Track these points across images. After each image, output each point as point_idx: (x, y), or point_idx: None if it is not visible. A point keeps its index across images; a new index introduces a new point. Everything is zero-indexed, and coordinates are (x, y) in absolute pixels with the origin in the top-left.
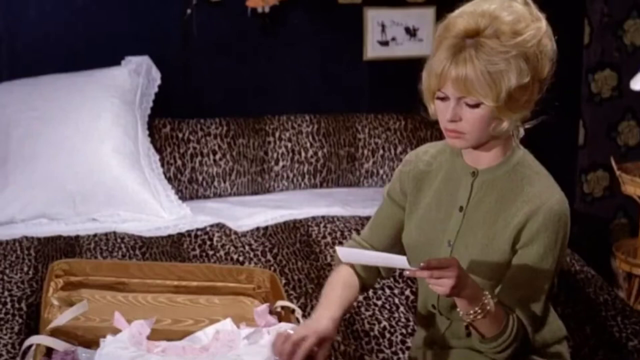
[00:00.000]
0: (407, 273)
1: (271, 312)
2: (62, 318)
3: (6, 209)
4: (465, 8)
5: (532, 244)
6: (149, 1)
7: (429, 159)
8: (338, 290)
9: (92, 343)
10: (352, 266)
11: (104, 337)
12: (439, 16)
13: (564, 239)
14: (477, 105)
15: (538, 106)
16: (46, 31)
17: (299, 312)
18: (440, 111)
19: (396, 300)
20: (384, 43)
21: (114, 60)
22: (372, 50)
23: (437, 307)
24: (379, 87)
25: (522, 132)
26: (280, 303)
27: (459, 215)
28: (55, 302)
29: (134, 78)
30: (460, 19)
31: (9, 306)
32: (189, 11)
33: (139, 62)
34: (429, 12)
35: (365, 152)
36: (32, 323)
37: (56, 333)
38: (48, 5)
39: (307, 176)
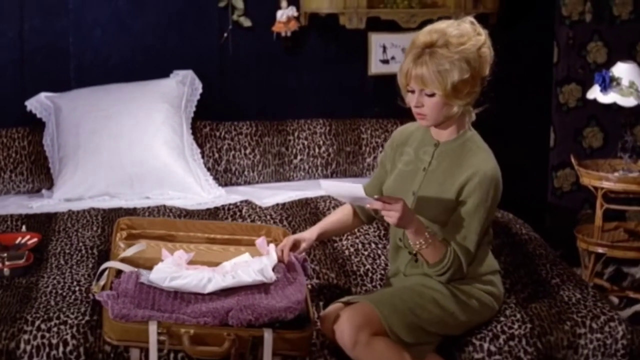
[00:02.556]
0: (367, 205)
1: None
2: (127, 252)
3: (77, 188)
4: (426, 28)
5: (469, 198)
6: (193, 26)
7: (408, 134)
8: (328, 219)
9: (148, 268)
10: (352, 206)
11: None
12: None
13: (495, 197)
14: (432, 95)
15: (482, 97)
16: (108, 50)
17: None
18: (410, 100)
19: (379, 252)
20: (385, 61)
21: (164, 73)
22: (375, 67)
23: (402, 240)
24: (380, 97)
25: (473, 116)
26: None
27: (422, 174)
28: (121, 245)
29: (181, 88)
30: (421, 35)
31: (83, 252)
32: (225, 34)
33: (184, 75)
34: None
35: (368, 149)
36: (103, 261)
37: (123, 262)
38: (110, 29)
39: (319, 168)
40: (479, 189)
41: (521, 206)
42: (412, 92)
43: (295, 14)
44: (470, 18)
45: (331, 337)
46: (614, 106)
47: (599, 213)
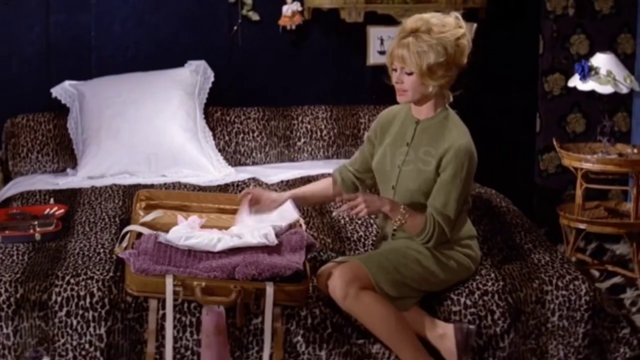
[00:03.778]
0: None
1: None
2: (147, 217)
3: (99, 166)
4: (414, 16)
5: (446, 170)
6: (205, 20)
7: (393, 115)
8: (305, 187)
9: (165, 232)
10: (334, 179)
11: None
12: None
13: (469, 168)
14: (410, 73)
15: (463, 84)
16: (127, 42)
17: (302, 221)
18: (393, 78)
19: (370, 221)
20: (382, 52)
21: (179, 63)
22: (373, 58)
23: None
24: (377, 86)
25: (450, 98)
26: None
27: (406, 149)
28: (141, 214)
29: (194, 76)
30: (409, 21)
31: (106, 220)
32: (235, 28)
33: (197, 65)
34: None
35: (365, 132)
36: (124, 228)
37: (143, 226)
38: (129, 23)
39: (321, 150)
40: (454, 161)
41: (509, 187)
42: (395, 70)
43: (300, 8)
44: (456, 13)
45: (325, 291)
46: (595, 94)
47: (579, 192)
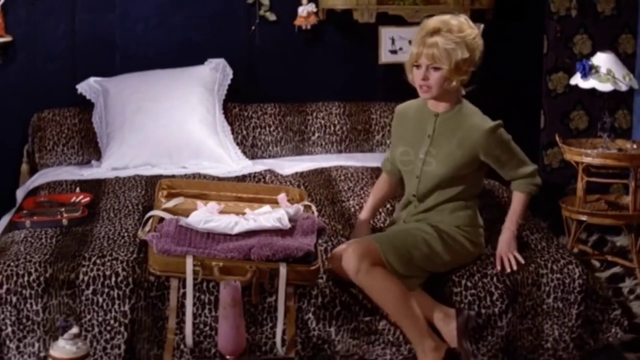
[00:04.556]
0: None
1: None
2: (168, 204)
3: (122, 159)
4: (433, 18)
5: (493, 150)
6: (224, 20)
7: (407, 109)
8: (372, 199)
9: (185, 217)
10: (391, 175)
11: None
12: None
13: (506, 135)
14: (438, 69)
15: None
16: (149, 40)
17: (314, 209)
18: (416, 75)
19: (379, 209)
20: (393, 52)
21: (199, 61)
22: (385, 57)
23: (416, 195)
24: (389, 84)
25: (463, 92)
26: (304, 203)
27: (428, 140)
28: (163, 201)
29: (214, 74)
30: (430, 22)
31: (130, 207)
32: (253, 27)
33: (217, 63)
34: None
35: (377, 128)
36: (146, 214)
37: (165, 211)
38: (151, 22)
39: (334, 144)
40: (493, 140)
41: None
42: (419, 66)
43: (315, 9)
44: (464, 16)
45: (338, 271)
46: (597, 92)
47: (580, 185)
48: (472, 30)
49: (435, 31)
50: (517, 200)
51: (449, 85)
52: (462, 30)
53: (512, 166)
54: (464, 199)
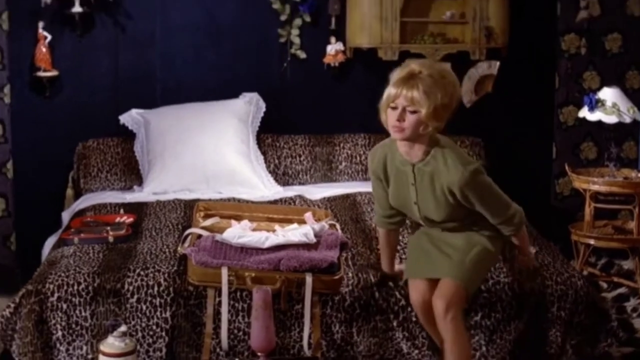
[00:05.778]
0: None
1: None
2: (205, 222)
3: (162, 184)
4: (416, 61)
5: (470, 197)
6: (258, 57)
7: (384, 154)
8: (388, 250)
9: (221, 233)
10: (388, 231)
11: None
12: (453, 69)
13: (483, 180)
14: (414, 112)
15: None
16: (188, 75)
17: (338, 227)
18: (390, 115)
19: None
20: None
21: (234, 95)
22: None
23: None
24: None
25: (440, 141)
26: (329, 221)
27: (413, 188)
28: (200, 221)
29: (248, 107)
30: (412, 63)
31: (170, 227)
32: (285, 64)
33: (251, 97)
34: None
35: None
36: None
37: (202, 229)
38: (190, 59)
39: (360, 173)
40: (469, 190)
41: (528, 208)
42: (395, 108)
43: (342, 48)
44: (448, 64)
45: (417, 303)
46: (604, 125)
47: (588, 211)
48: (453, 78)
49: (417, 73)
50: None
51: (425, 130)
52: (443, 76)
53: (494, 211)
54: (475, 222)
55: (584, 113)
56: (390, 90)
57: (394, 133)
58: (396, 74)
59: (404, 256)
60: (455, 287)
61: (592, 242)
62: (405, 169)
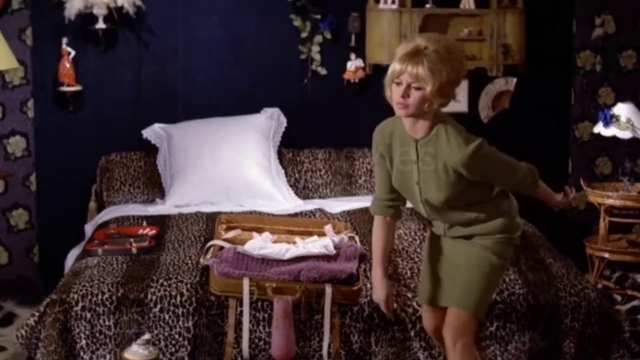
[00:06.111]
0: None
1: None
2: (227, 235)
3: (185, 197)
4: (422, 35)
5: (481, 168)
6: (279, 73)
7: (390, 130)
8: (377, 252)
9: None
10: (384, 217)
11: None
12: (471, 85)
13: (488, 150)
14: (419, 89)
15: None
16: (210, 90)
17: (357, 239)
18: (395, 91)
19: (413, 234)
20: None
21: (256, 110)
22: None
23: (429, 218)
24: None
25: (445, 117)
26: (348, 233)
27: (415, 166)
28: (222, 233)
29: (269, 122)
30: (418, 38)
31: (192, 239)
32: (305, 80)
33: (272, 112)
34: (464, 84)
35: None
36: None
37: (224, 241)
38: (212, 74)
39: None
40: (475, 163)
41: (545, 222)
42: (399, 84)
43: (362, 64)
44: (453, 40)
45: (429, 330)
46: (619, 140)
47: (602, 225)
48: (460, 54)
49: (423, 49)
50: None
51: (430, 107)
52: (450, 52)
53: (506, 178)
54: (482, 201)
55: (599, 128)
56: (394, 66)
57: (398, 110)
58: (401, 49)
59: (399, 261)
60: (464, 317)
61: (606, 255)
62: (410, 144)
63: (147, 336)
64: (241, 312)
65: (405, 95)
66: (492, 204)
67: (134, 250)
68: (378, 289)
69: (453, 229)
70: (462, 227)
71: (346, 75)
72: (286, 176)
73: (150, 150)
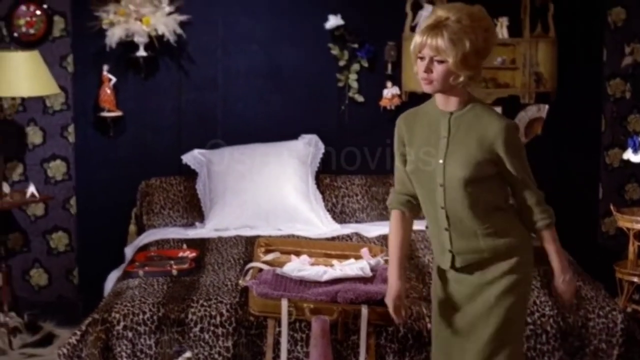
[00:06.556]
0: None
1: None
2: (266, 257)
3: (224, 221)
4: (443, 6)
5: (506, 156)
6: (317, 100)
7: (414, 115)
8: (394, 253)
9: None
10: (401, 212)
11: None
12: (504, 112)
13: (521, 143)
14: (442, 62)
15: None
16: (249, 117)
17: None
18: (419, 66)
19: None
20: None
21: (294, 136)
22: None
23: (445, 207)
24: None
25: (477, 95)
26: (384, 256)
27: (445, 141)
28: (261, 256)
29: (307, 148)
30: (439, 10)
31: (232, 262)
32: (343, 107)
33: (310, 138)
34: (498, 110)
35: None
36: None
37: (263, 264)
38: (251, 101)
39: None
40: (509, 139)
41: (575, 247)
42: (422, 58)
43: (398, 92)
44: (480, 6)
45: None
46: None
47: (632, 249)
48: (485, 21)
49: (444, 20)
50: (545, 240)
51: (456, 80)
52: (474, 20)
53: (525, 178)
54: (497, 208)
55: (628, 155)
56: (416, 39)
57: (424, 85)
58: (423, 21)
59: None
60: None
61: (635, 279)
62: (441, 119)
63: (188, 354)
64: (279, 332)
65: (428, 70)
66: (505, 216)
67: (175, 272)
68: (390, 288)
69: (462, 257)
70: (474, 250)
71: (382, 103)
72: (324, 201)
73: (190, 175)
